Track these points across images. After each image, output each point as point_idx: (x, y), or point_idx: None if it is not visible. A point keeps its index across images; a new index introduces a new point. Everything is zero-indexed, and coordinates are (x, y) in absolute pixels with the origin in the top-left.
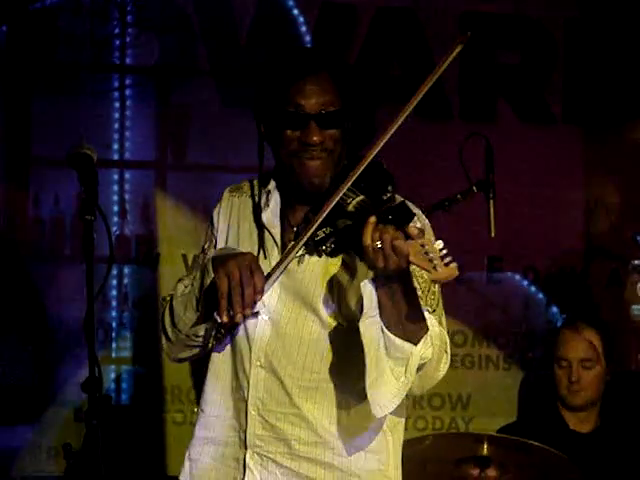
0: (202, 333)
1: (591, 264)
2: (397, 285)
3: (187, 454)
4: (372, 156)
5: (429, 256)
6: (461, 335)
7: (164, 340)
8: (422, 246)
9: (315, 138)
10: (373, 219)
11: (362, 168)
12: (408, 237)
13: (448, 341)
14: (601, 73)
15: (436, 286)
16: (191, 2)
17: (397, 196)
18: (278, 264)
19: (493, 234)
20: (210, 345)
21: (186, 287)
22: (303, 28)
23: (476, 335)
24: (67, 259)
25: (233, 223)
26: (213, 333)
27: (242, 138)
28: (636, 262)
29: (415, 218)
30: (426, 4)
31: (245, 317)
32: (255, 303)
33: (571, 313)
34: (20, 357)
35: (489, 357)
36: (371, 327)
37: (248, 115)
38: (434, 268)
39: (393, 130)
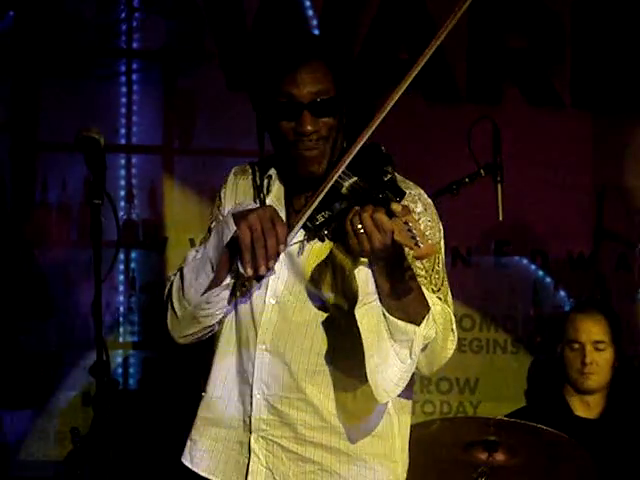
0: (214, 299)
1: (599, 248)
2: (390, 265)
3: (190, 434)
4: (365, 138)
5: (412, 233)
6: (469, 319)
7: (170, 317)
8: (405, 223)
9: (309, 127)
10: (357, 208)
11: (356, 149)
12: (392, 215)
13: (454, 319)
14: (610, 56)
15: (440, 265)
16: None
17: (398, 176)
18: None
19: (501, 218)
20: (237, 295)
21: (197, 252)
22: (310, 12)
23: (484, 319)
24: (74, 243)
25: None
26: (239, 286)
27: (248, 122)
28: None
29: (406, 196)
30: None
31: (269, 269)
32: (278, 255)
33: (580, 299)
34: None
35: (497, 341)
36: (369, 313)
37: None
38: (416, 244)
39: (387, 110)
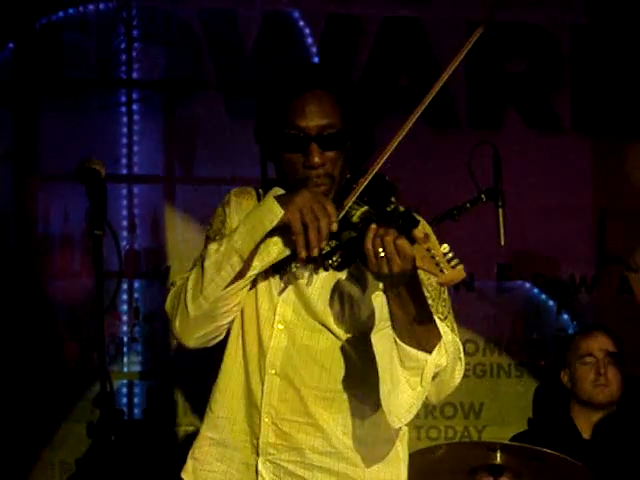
0: (235, 293)
1: (601, 271)
2: (406, 291)
3: (191, 452)
4: (376, 170)
5: (435, 259)
6: (472, 344)
7: (180, 320)
8: (428, 250)
9: (317, 160)
10: (374, 226)
11: (368, 181)
12: (413, 242)
13: (462, 348)
14: (609, 80)
15: (446, 293)
16: (197, 16)
17: (400, 207)
18: None
19: (503, 243)
20: (290, 273)
21: (220, 245)
22: (309, 40)
23: (487, 344)
24: (77, 274)
25: None
26: (288, 269)
27: (250, 150)
28: None
29: (420, 225)
30: (432, 14)
31: (321, 250)
32: (332, 231)
33: (584, 322)
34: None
35: (501, 365)
36: (383, 339)
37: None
38: (441, 271)
39: (396, 143)
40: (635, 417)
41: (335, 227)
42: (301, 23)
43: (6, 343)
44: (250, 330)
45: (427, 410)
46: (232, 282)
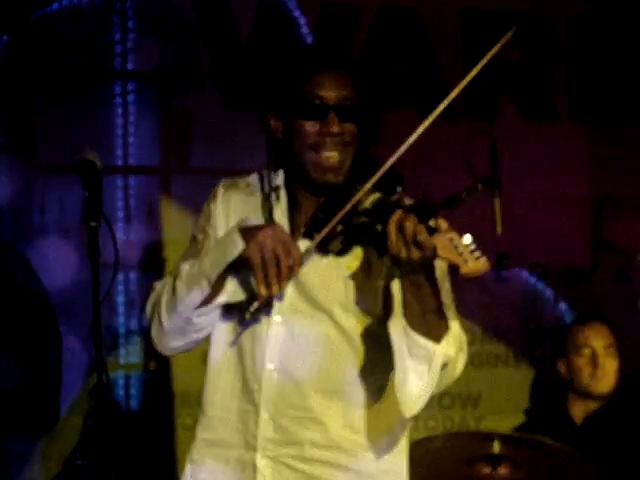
0: (205, 314)
1: (598, 260)
2: (422, 278)
3: (189, 456)
4: (395, 158)
5: (458, 250)
6: (469, 333)
7: (156, 328)
8: (450, 240)
9: (336, 128)
10: (400, 211)
11: (386, 169)
12: (434, 230)
13: (465, 339)
14: (605, 68)
15: (447, 284)
16: (191, 6)
17: (406, 198)
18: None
19: (500, 231)
20: (248, 316)
21: (192, 266)
22: (304, 29)
23: (485, 333)
24: (73, 266)
25: (233, 222)
26: (249, 307)
27: (245, 141)
28: None
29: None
30: (427, 2)
31: (282, 289)
32: (292, 275)
33: (581, 311)
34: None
35: (498, 355)
36: (396, 327)
37: (251, 118)
38: (465, 262)
39: (421, 131)
40: (631, 407)
41: (298, 270)
42: (296, 12)
43: (1, 335)
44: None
45: None
46: (203, 304)
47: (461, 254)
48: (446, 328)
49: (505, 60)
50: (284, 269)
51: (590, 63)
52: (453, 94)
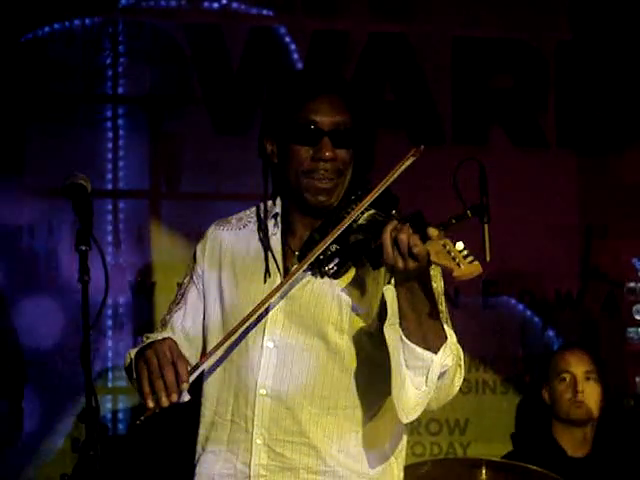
0: None
1: (587, 287)
2: (417, 286)
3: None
4: (391, 180)
5: (451, 254)
6: None
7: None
8: (444, 246)
9: (328, 154)
10: (395, 221)
11: (377, 194)
12: (427, 239)
13: (462, 354)
14: (594, 96)
15: (443, 304)
16: (182, 31)
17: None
18: (279, 287)
19: (488, 258)
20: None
21: (130, 354)
22: (295, 56)
23: (472, 360)
24: (61, 289)
25: (226, 257)
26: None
27: (235, 166)
28: (631, 285)
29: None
30: (418, 29)
31: (171, 402)
32: (181, 390)
33: (569, 339)
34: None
35: (486, 382)
36: (393, 334)
37: (241, 143)
38: (457, 265)
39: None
40: (618, 434)
41: (185, 387)
42: (287, 39)
43: None
44: (237, 351)
45: (412, 426)
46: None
47: (454, 258)
48: (444, 338)
49: (495, 88)
50: (170, 384)
51: (580, 90)
52: (368, 199)
